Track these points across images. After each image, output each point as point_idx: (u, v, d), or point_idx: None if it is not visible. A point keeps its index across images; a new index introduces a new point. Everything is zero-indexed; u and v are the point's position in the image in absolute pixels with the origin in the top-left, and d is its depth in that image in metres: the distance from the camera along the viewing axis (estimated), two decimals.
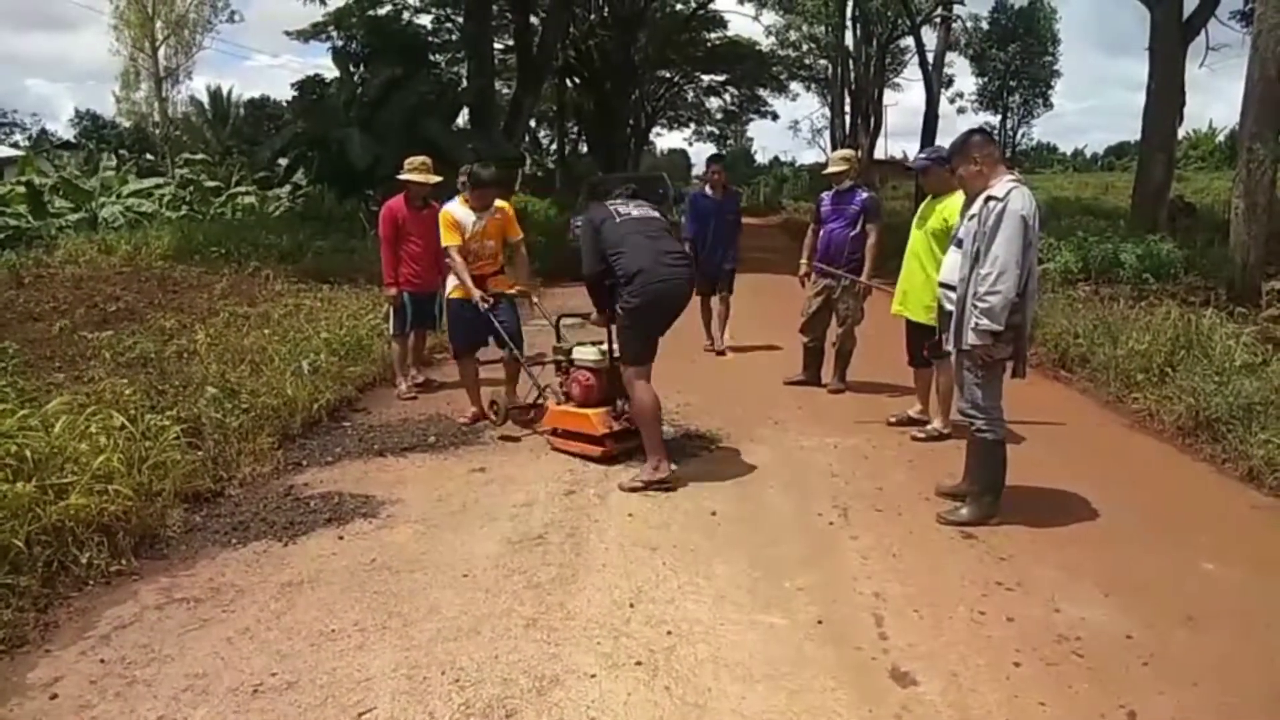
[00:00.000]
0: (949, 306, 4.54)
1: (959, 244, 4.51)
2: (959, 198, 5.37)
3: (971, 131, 4.62)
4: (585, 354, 5.60)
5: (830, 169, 7.31)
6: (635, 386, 5.08)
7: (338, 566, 3.99)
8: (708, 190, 8.74)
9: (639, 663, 3.17)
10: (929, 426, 5.91)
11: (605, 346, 5.53)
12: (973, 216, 4.32)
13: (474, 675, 3.09)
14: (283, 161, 19.45)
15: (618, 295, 5.08)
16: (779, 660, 3.20)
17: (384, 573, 3.92)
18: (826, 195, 7.25)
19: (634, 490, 4.91)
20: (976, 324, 4.17)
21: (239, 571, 3.96)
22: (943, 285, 4.71)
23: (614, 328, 5.31)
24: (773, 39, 40.89)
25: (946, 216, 5.54)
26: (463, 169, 8.22)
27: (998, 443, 4.41)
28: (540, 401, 6.14)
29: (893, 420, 6.16)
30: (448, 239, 6.12)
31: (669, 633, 3.38)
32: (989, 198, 4.23)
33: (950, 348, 4.46)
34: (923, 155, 6.20)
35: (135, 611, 3.59)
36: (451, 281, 6.27)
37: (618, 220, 5.20)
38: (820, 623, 3.47)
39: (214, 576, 3.91)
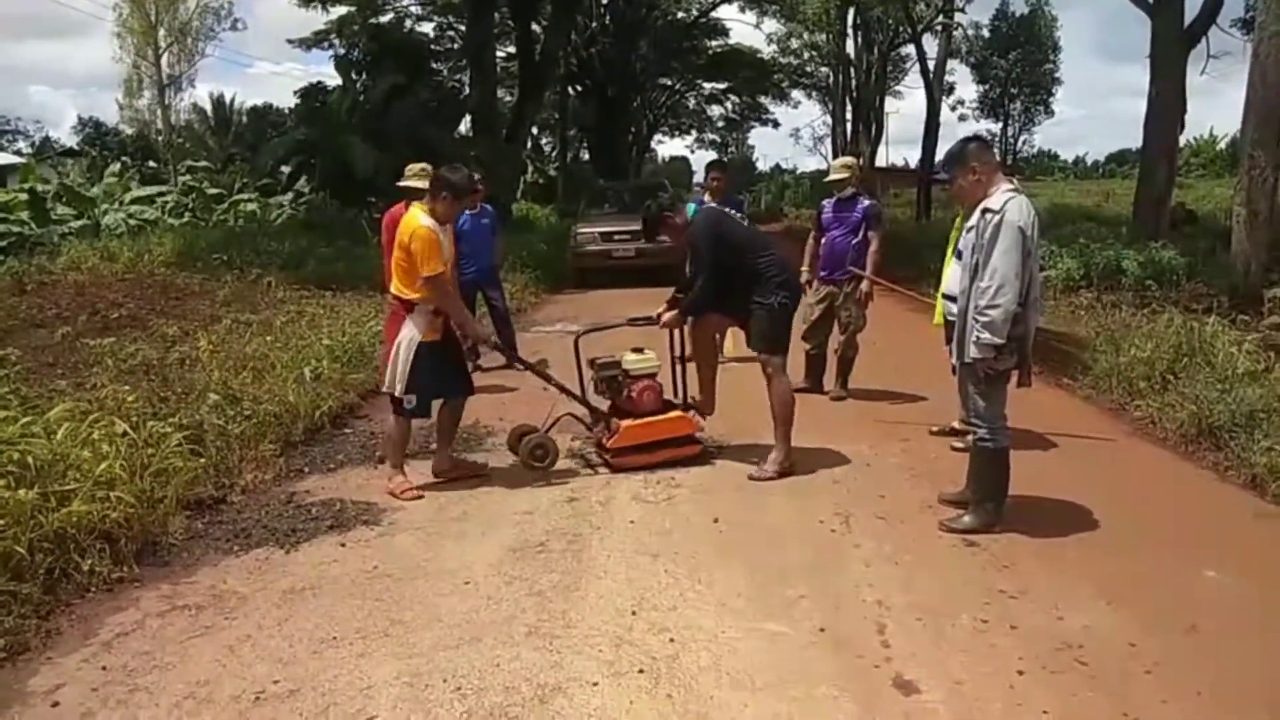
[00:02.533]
0: (952, 318, 4.54)
1: (960, 255, 4.51)
2: None
3: (968, 139, 4.58)
4: (644, 362, 5.57)
5: (832, 176, 7.31)
6: (783, 377, 5.46)
7: (339, 574, 4.00)
8: (705, 197, 8.66)
9: (641, 671, 3.16)
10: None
11: (652, 352, 5.63)
12: (971, 228, 4.31)
13: (476, 683, 3.09)
14: (285, 169, 19.49)
15: (773, 293, 5.31)
16: (781, 668, 3.19)
17: (385, 580, 3.92)
18: (828, 203, 7.25)
19: (767, 480, 5.23)
20: (978, 337, 4.15)
21: (241, 579, 3.96)
22: (945, 297, 4.71)
23: (763, 323, 5.37)
24: (774, 47, 41.02)
25: None
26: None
27: (1000, 452, 4.40)
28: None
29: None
30: (435, 264, 4.85)
31: (671, 640, 3.37)
32: (985, 210, 4.20)
33: (954, 360, 4.46)
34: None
35: (137, 619, 3.59)
36: (415, 324, 4.98)
37: (745, 224, 5.62)
38: (823, 630, 3.46)
39: (216, 584, 3.91)
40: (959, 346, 4.35)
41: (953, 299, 4.53)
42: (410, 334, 4.95)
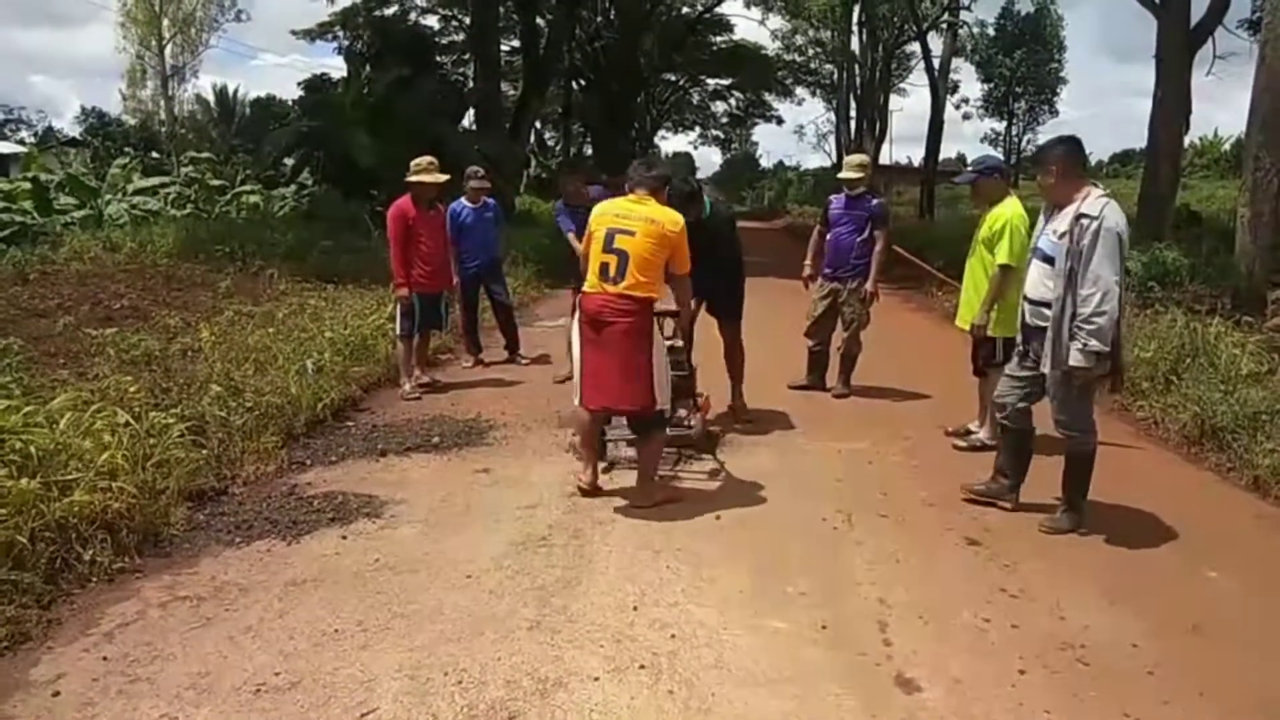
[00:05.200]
0: (1039, 321, 4.43)
1: (1045, 258, 4.40)
2: (1005, 207, 5.54)
3: (1060, 139, 4.54)
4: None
5: (845, 174, 7.25)
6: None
7: (341, 566, 3.99)
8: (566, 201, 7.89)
9: (642, 666, 3.16)
10: (973, 436, 5.89)
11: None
12: (1063, 234, 4.22)
13: (477, 677, 3.08)
14: (288, 161, 19.46)
15: (741, 276, 6.40)
16: (783, 665, 3.19)
17: (387, 573, 3.92)
18: (836, 198, 7.19)
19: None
20: (1085, 345, 4.13)
21: (242, 570, 3.95)
22: (1031, 301, 4.52)
23: (739, 303, 6.40)
24: (779, 43, 40.98)
25: (991, 224, 5.60)
26: (470, 169, 8.24)
27: (1093, 453, 4.48)
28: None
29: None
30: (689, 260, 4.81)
31: (673, 636, 3.37)
32: (1082, 215, 4.16)
33: (1047, 368, 4.34)
34: (969, 169, 6.18)
35: (138, 609, 3.58)
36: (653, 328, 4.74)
37: None
38: (824, 628, 3.46)
39: (217, 575, 3.90)
40: (1053, 354, 4.28)
41: (1038, 304, 4.44)
42: (660, 341, 4.74)
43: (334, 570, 3.95)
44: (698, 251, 5.72)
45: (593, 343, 4.63)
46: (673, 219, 4.64)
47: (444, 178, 7.11)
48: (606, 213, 4.70)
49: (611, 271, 4.56)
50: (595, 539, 4.30)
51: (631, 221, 4.59)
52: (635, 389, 4.57)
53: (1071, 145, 4.46)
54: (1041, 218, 4.63)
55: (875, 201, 7.03)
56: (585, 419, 4.86)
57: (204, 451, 5.00)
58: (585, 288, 4.68)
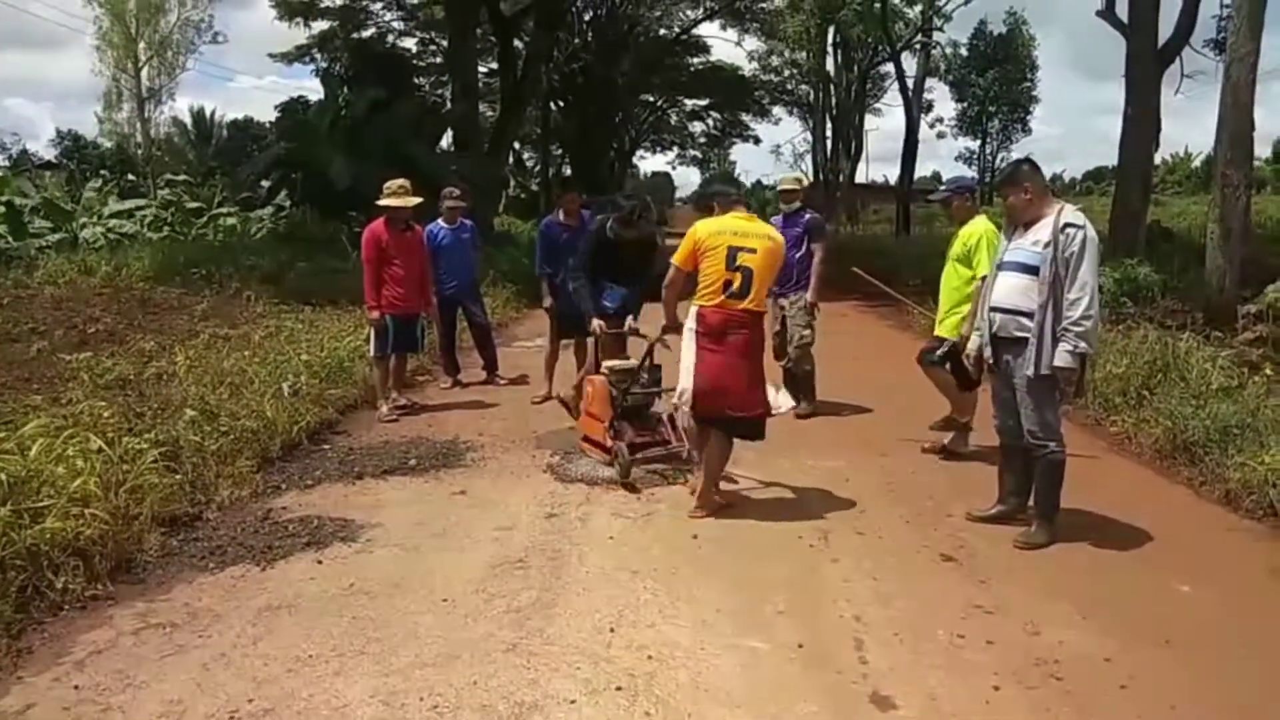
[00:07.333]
0: (1017, 332, 4.48)
1: (1027, 269, 4.44)
2: (977, 224, 5.71)
3: (1021, 161, 4.79)
4: None
5: (781, 188, 7.54)
6: None
7: (316, 591, 3.96)
8: (560, 216, 7.62)
9: (619, 688, 3.15)
10: (941, 441, 5.99)
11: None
12: (1047, 244, 4.35)
13: (453, 701, 3.07)
14: (265, 183, 19.41)
15: None
16: (760, 684, 3.19)
17: (362, 597, 3.89)
18: (776, 219, 7.33)
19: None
20: (1075, 347, 4.27)
21: (216, 596, 3.92)
22: (1007, 311, 4.55)
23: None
24: (755, 64, 41.30)
25: (965, 241, 5.74)
26: (446, 190, 8.25)
27: (1064, 461, 4.53)
28: None
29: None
30: None
31: (650, 657, 3.37)
32: (1068, 224, 4.34)
33: (1029, 373, 4.39)
34: (943, 187, 6.43)
35: (110, 637, 3.54)
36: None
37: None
38: (801, 646, 3.46)
39: (191, 601, 3.87)
40: (1036, 358, 4.36)
41: (1012, 312, 4.50)
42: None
43: (308, 595, 3.92)
44: (633, 268, 5.90)
45: (716, 354, 4.78)
46: (778, 235, 5.03)
47: (415, 201, 7.11)
48: (724, 230, 4.84)
49: (736, 286, 4.76)
50: (573, 560, 4.29)
51: (751, 239, 4.82)
52: (759, 395, 4.90)
53: (1034, 165, 4.67)
54: (1004, 238, 4.76)
55: (808, 216, 7.25)
56: (713, 441, 4.95)
57: (178, 476, 4.96)
58: (704, 302, 4.81)
